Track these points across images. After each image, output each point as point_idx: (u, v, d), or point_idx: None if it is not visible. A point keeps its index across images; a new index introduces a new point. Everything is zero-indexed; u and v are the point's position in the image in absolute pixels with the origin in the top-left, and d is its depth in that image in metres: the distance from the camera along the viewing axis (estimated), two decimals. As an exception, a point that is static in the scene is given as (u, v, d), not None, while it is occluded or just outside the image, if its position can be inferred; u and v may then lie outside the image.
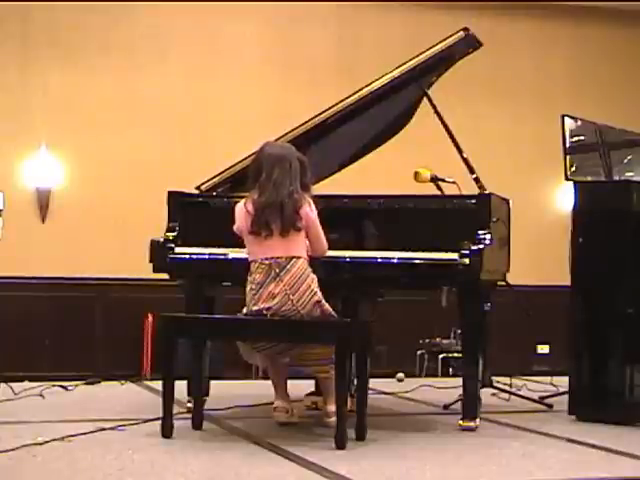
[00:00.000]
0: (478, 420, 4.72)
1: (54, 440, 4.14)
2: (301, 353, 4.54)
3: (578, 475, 3.85)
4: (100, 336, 9.13)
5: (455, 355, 8.84)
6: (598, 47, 10.39)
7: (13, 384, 5.64)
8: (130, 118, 9.28)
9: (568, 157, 5.43)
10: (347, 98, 5.20)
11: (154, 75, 9.40)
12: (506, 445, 4.39)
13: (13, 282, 8.90)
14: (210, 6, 9.38)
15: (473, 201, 4.73)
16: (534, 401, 5.61)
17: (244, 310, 4.54)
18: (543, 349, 10.01)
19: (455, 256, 4.53)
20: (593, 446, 4.41)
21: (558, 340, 8.38)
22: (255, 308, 4.45)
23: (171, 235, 4.98)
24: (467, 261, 4.51)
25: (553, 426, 4.90)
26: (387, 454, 4.13)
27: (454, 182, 5.12)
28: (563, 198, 9.64)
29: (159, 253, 4.92)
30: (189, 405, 4.87)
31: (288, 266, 4.42)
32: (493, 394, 5.81)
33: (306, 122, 5.19)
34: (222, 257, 4.84)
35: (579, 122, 5.62)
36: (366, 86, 5.21)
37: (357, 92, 5.21)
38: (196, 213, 5.05)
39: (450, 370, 8.99)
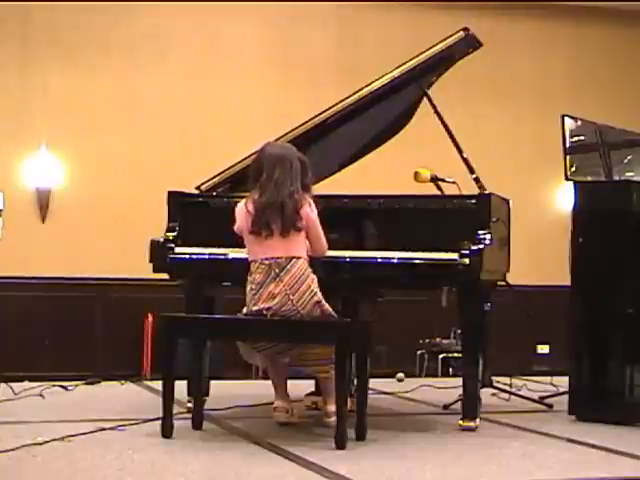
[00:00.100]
0: (478, 420, 4.72)
1: (54, 440, 4.14)
2: (301, 353, 4.54)
3: (578, 475, 3.85)
4: (100, 336, 9.13)
5: (455, 355, 8.84)
6: (598, 47, 10.38)
7: (13, 384, 5.64)
8: (130, 118, 9.29)
9: (568, 157, 5.43)
10: (347, 98, 5.20)
11: (154, 75, 9.40)
12: (506, 445, 4.39)
13: (13, 282, 8.90)
14: (210, 6, 9.38)
15: (473, 201, 4.73)
16: (534, 401, 5.61)
17: (244, 310, 4.54)
18: (543, 349, 10.01)
19: (455, 256, 4.53)
20: (593, 446, 4.41)
21: (558, 340, 8.38)
22: (255, 308, 4.45)
23: (171, 235, 4.98)
24: (467, 261, 4.51)
25: (553, 426, 4.90)
26: (387, 454, 4.13)
27: (454, 182, 5.12)
28: (563, 198, 9.64)
29: (159, 253, 4.92)
30: (189, 405, 4.87)
31: (288, 266, 4.42)
32: (493, 394, 5.81)
33: (306, 122, 5.19)
34: (222, 257, 4.84)
35: (579, 122, 5.62)
36: (366, 86, 5.21)
37: (357, 92, 5.21)
38: (196, 213, 5.05)
39: (450, 370, 8.99)
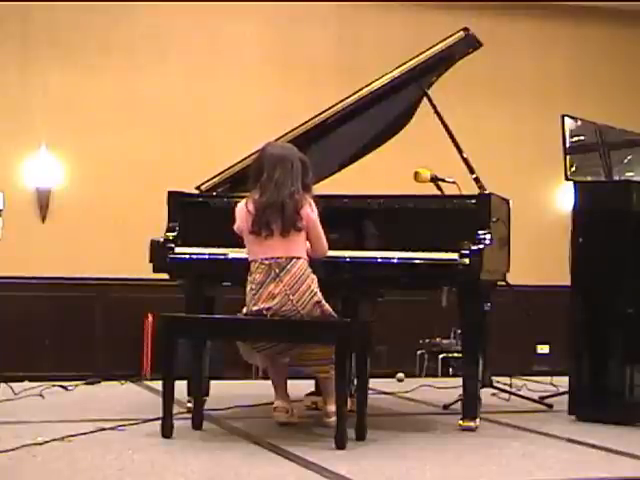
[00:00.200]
0: (478, 420, 4.72)
1: (54, 440, 4.14)
2: (301, 353, 4.54)
3: (578, 475, 3.85)
4: (100, 336, 9.13)
5: (455, 355, 8.84)
6: (598, 47, 10.38)
7: (13, 384, 5.64)
8: (130, 118, 9.28)
9: (568, 157, 5.43)
10: (347, 98, 5.20)
11: (154, 75, 9.40)
12: (506, 445, 4.39)
13: (13, 282, 8.90)
14: (210, 6, 9.37)
15: (473, 201, 4.73)
16: (534, 401, 5.61)
17: (244, 310, 4.54)
18: (543, 349, 10.01)
19: (455, 256, 4.53)
20: (593, 446, 4.41)
21: (558, 340, 8.38)
22: (255, 308, 4.45)
23: (171, 235, 4.98)
24: (467, 261, 4.51)
25: (553, 426, 4.90)
26: (387, 454, 4.13)
27: (454, 182, 5.12)
28: (563, 198, 9.64)
29: (159, 253, 4.92)
30: (189, 405, 4.87)
31: (288, 266, 4.42)
32: (493, 394, 5.81)
33: (306, 122, 5.19)
34: (222, 257, 4.85)
35: (579, 122, 5.62)
36: (366, 86, 5.21)
37: (357, 92, 5.21)
38: (196, 213, 5.05)
39: (450, 370, 8.99)
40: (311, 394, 5.17)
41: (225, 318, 4.70)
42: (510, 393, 5.77)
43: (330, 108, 5.20)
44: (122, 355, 8.90)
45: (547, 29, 10.27)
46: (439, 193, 5.17)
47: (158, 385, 4.79)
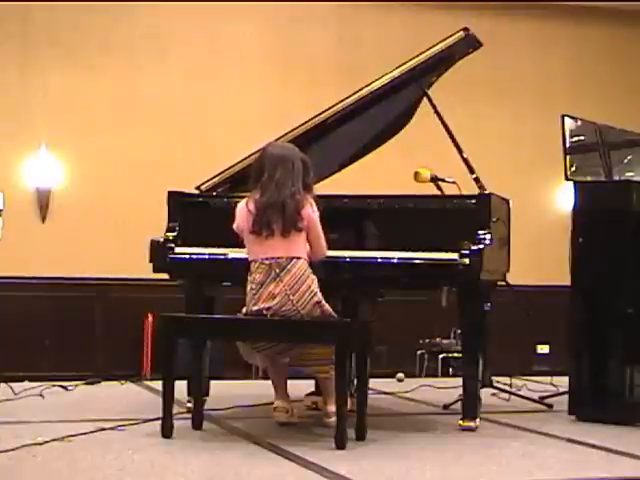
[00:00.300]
0: (478, 420, 4.72)
1: (54, 440, 4.14)
2: (301, 353, 4.53)
3: (578, 475, 3.85)
4: (100, 336, 9.13)
5: (455, 355, 8.84)
6: (598, 47, 10.38)
7: (13, 384, 5.64)
8: (130, 118, 9.28)
9: (568, 157, 5.43)
10: (347, 98, 5.20)
11: (154, 75, 9.40)
12: (506, 445, 4.39)
13: (13, 282, 8.90)
14: (210, 6, 9.38)
15: (473, 201, 4.73)
16: (534, 401, 5.61)
17: (244, 310, 4.54)
18: (543, 349, 10.01)
19: (455, 256, 4.53)
20: (593, 446, 4.41)
21: (558, 340, 8.38)
22: (255, 308, 4.45)
23: (171, 235, 4.98)
24: (467, 261, 4.51)
25: (553, 426, 4.90)
26: (387, 454, 4.13)
27: (454, 182, 5.12)
28: (563, 198, 9.64)
29: (159, 253, 4.92)
30: (189, 405, 4.87)
31: (288, 266, 4.42)
32: (493, 394, 5.81)
33: (306, 122, 5.19)
34: (222, 257, 4.85)
35: (579, 122, 5.62)
36: (366, 86, 5.21)
37: (357, 92, 5.21)
38: (196, 213, 5.05)
39: (450, 370, 8.99)
40: (311, 394, 5.17)
41: (225, 318, 4.70)
42: (510, 393, 5.77)
43: (330, 108, 5.20)
44: (122, 355, 8.91)
45: (547, 29, 10.27)
46: (439, 193, 5.17)
47: (158, 385, 4.79)
